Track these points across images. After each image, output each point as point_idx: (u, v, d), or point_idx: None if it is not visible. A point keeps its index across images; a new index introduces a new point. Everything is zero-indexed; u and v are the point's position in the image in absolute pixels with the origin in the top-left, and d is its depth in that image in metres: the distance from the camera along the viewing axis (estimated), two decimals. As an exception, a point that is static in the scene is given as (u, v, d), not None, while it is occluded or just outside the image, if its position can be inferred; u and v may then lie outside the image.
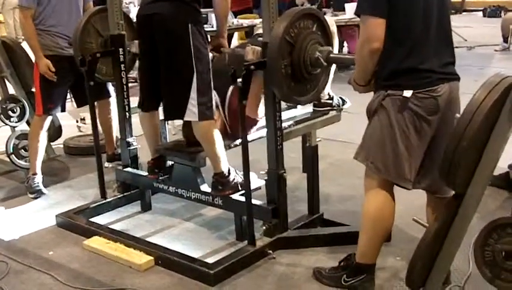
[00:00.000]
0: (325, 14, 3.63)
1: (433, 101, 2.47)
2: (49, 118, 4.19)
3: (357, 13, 2.52)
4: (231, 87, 3.35)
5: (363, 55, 2.51)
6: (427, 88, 2.46)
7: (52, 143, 4.85)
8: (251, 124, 3.35)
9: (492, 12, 14.71)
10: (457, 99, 2.57)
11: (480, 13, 15.23)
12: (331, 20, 3.60)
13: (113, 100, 4.30)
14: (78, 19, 3.99)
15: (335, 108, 3.62)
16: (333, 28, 3.38)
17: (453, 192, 2.58)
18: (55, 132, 4.79)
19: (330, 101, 3.62)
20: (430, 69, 2.48)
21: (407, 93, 2.46)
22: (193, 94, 3.16)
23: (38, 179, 4.15)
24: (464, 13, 15.91)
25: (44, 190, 4.14)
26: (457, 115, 2.14)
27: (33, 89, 4.30)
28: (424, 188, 2.67)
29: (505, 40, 9.53)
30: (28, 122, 4.53)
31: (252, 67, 2.89)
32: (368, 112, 2.63)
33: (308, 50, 2.91)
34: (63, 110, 4.29)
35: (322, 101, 3.59)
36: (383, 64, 2.50)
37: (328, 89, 3.58)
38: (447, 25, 2.59)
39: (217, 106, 3.42)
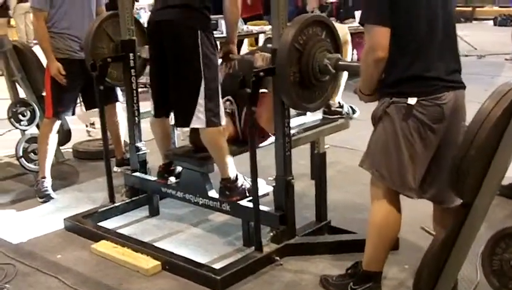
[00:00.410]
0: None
1: (438, 109, 2.46)
2: (59, 121, 4.21)
3: (361, 22, 2.52)
4: None
5: (368, 64, 2.51)
6: (432, 96, 2.45)
7: (61, 147, 4.88)
8: (264, 138, 3.36)
9: (503, 21, 14.68)
10: (462, 108, 2.55)
11: (491, 22, 15.19)
12: (345, 28, 3.59)
13: (119, 104, 4.34)
14: (91, 22, 4.02)
15: (344, 116, 3.62)
16: (347, 37, 3.38)
17: (459, 202, 2.58)
18: (64, 136, 4.81)
19: (340, 110, 3.61)
20: (436, 77, 2.46)
21: (412, 100, 2.45)
22: (201, 101, 3.17)
23: (48, 182, 4.17)
24: (474, 22, 15.88)
25: (53, 194, 4.15)
26: (465, 124, 2.13)
27: (44, 93, 4.32)
28: (429, 198, 2.65)
29: None
30: (38, 126, 4.56)
31: (262, 73, 2.90)
32: (373, 120, 2.62)
33: (317, 57, 2.91)
34: (73, 113, 4.31)
35: (332, 109, 3.59)
36: (388, 72, 2.49)
37: (338, 98, 3.58)
38: (452, 31, 2.58)
39: (231, 113, 3.43)
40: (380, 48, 2.43)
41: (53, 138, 4.21)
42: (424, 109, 2.46)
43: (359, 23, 2.56)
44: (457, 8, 16.25)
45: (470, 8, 16.19)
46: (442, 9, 2.49)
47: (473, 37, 10.88)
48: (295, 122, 3.50)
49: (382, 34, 2.42)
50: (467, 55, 9.76)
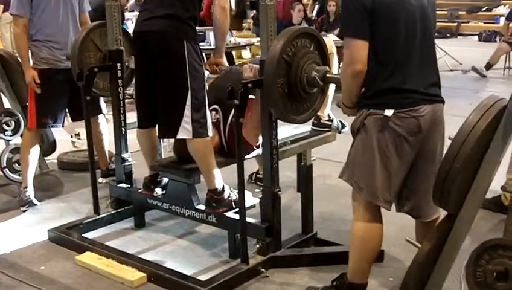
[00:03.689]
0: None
1: (414, 121, 2.46)
2: (40, 131, 4.18)
3: (340, 36, 2.54)
4: None
5: (347, 77, 2.53)
6: (409, 108, 2.46)
7: (46, 158, 4.84)
8: (248, 151, 3.35)
9: (487, 36, 14.86)
10: (441, 121, 2.57)
11: (476, 37, 15.37)
12: (331, 41, 3.62)
13: (102, 116, 4.33)
14: (75, 28, 4.00)
15: (333, 130, 3.62)
16: (333, 50, 3.40)
17: (436, 216, 2.60)
18: (49, 146, 4.77)
19: (329, 123, 3.62)
20: (413, 89, 2.47)
21: (389, 112, 2.45)
22: (187, 111, 3.17)
23: (30, 192, 4.12)
24: (459, 37, 16.06)
25: (35, 201, 4.10)
26: (451, 136, 2.15)
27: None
28: (407, 212, 2.67)
29: (487, 67, 9.48)
30: (22, 136, 4.52)
31: (250, 85, 2.90)
32: (352, 131, 2.64)
33: (305, 69, 2.92)
34: (63, 125, 4.27)
35: (322, 121, 3.60)
36: (367, 85, 2.51)
37: (328, 110, 3.59)
38: (431, 45, 2.61)
39: (216, 123, 3.43)
40: (358, 61, 2.45)
41: (35, 148, 4.17)
42: (400, 121, 2.46)
43: (338, 36, 2.59)
44: (443, 24, 16.30)
45: (455, 24, 16.37)
46: (421, 23, 2.51)
47: (458, 52, 10.98)
48: (282, 133, 3.50)
49: (360, 48, 2.44)
50: (452, 70, 9.86)
